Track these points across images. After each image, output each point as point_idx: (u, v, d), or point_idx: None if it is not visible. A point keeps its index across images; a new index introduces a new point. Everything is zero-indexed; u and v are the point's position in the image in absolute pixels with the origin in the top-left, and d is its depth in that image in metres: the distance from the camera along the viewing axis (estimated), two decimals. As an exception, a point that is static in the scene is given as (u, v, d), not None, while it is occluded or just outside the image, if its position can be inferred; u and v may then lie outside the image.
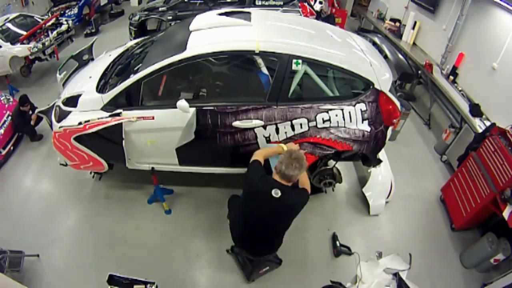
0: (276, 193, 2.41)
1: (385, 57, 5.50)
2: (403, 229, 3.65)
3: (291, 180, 2.44)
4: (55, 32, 6.64)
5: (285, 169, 2.38)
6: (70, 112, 3.27)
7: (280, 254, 3.27)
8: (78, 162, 3.34)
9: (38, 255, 3.19)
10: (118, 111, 3.07)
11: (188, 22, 3.44)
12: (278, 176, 2.45)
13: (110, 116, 3.05)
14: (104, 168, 3.39)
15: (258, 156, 2.66)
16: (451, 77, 5.04)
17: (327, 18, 7.53)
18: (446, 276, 3.20)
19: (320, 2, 8.06)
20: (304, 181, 2.67)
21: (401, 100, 5.00)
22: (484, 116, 4.19)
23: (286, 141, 3.09)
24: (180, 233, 3.43)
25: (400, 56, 5.71)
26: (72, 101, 3.32)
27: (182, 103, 2.87)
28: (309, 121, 3.02)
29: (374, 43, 6.09)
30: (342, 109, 3.05)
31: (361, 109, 3.07)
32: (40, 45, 6.15)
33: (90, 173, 3.95)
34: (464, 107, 4.40)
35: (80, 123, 3.02)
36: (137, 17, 7.09)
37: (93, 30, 8.59)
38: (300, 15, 6.66)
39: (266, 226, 2.62)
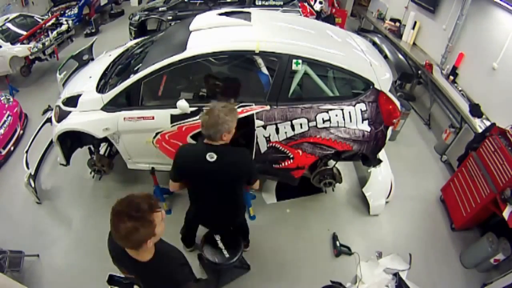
0: (211, 156, 2.13)
1: (385, 57, 5.49)
2: (403, 229, 3.65)
3: (217, 126, 2.06)
4: (55, 32, 6.63)
5: (211, 108, 2.10)
6: (70, 112, 3.27)
7: (281, 253, 3.29)
8: None
9: (38, 255, 3.19)
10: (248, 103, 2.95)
11: (188, 22, 3.44)
12: (203, 119, 2.12)
13: (239, 107, 2.91)
14: None
15: None
16: (451, 77, 5.04)
17: (327, 18, 7.53)
18: (446, 276, 3.20)
19: (320, 2, 8.06)
20: None
21: (401, 100, 5.00)
22: (484, 116, 4.19)
23: (286, 141, 3.09)
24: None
25: (400, 56, 5.71)
26: (72, 101, 3.32)
27: (182, 103, 2.88)
28: (309, 121, 3.02)
29: (374, 43, 6.08)
30: (342, 109, 3.05)
31: (361, 109, 3.07)
32: (40, 45, 6.15)
33: (90, 173, 3.94)
34: (464, 107, 4.39)
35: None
36: (137, 17, 7.09)
37: (93, 30, 8.59)
38: (300, 15, 6.66)
39: (218, 195, 2.38)
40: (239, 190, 2.48)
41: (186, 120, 3.00)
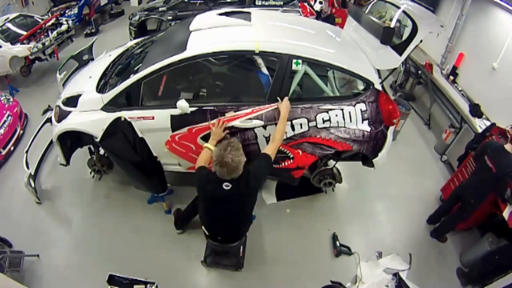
0: (226, 185, 2.37)
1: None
2: (403, 229, 3.65)
3: (232, 168, 2.27)
4: (55, 32, 6.64)
5: (222, 159, 2.24)
6: (70, 112, 3.27)
7: (281, 253, 3.29)
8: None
9: (38, 255, 3.19)
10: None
11: (188, 22, 3.44)
12: (219, 171, 2.30)
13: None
14: None
15: (200, 162, 2.63)
16: (451, 77, 5.04)
17: (327, 18, 7.53)
18: (446, 276, 3.20)
19: (320, 2, 8.08)
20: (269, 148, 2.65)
21: (401, 100, 5.02)
22: (484, 116, 4.19)
23: (286, 141, 3.09)
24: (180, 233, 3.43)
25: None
26: (72, 101, 3.32)
27: (182, 103, 2.88)
28: (309, 121, 3.02)
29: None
30: (342, 109, 3.04)
31: (361, 109, 3.07)
32: (40, 45, 6.15)
33: (90, 173, 3.95)
34: (464, 107, 4.39)
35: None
36: (137, 17, 7.10)
37: (93, 30, 8.59)
38: (300, 15, 6.67)
39: (229, 217, 2.61)
40: (252, 204, 2.68)
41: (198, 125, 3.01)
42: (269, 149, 2.62)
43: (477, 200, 3.11)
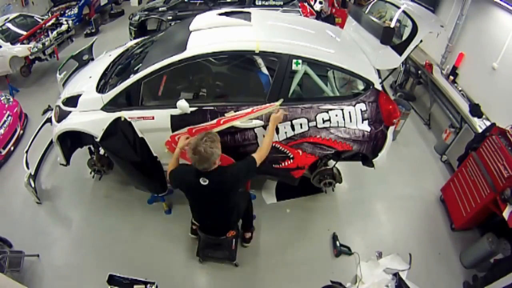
0: (204, 180, 2.42)
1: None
2: (403, 229, 3.64)
3: (203, 158, 2.31)
4: (55, 32, 6.65)
5: (196, 146, 2.29)
6: (70, 112, 3.28)
7: (281, 253, 3.29)
8: None
9: (38, 255, 3.19)
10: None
11: (188, 22, 3.44)
12: (192, 158, 2.35)
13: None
14: None
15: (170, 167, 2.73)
16: (451, 77, 5.04)
17: (327, 18, 7.53)
18: (446, 276, 3.19)
19: (320, 2, 8.08)
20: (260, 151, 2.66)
21: (401, 100, 5.02)
22: (484, 116, 4.19)
23: (286, 141, 3.09)
24: (180, 233, 3.42)
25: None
26: (72, 101, 3.32)
27: (182, 103, 2.88)
28: (309, 121, 3.02)
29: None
30: (342, 109, 3.04)
31: (361, 109, 3.07)
32: (40, 45, 6.16)
33: (90, 173, 3.95)
34: (464, 107, 4.39)
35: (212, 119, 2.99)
36: (137, 17, 7.10)
37: (93, 30, 8.60)
38: (300, 15, 6.67)
39: (214, 210, 2.70)
40: (233, 198, 2.71)
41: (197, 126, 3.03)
42: (257, 155, 2.61)
43: None
